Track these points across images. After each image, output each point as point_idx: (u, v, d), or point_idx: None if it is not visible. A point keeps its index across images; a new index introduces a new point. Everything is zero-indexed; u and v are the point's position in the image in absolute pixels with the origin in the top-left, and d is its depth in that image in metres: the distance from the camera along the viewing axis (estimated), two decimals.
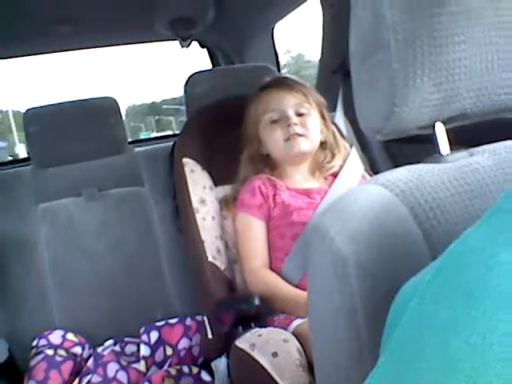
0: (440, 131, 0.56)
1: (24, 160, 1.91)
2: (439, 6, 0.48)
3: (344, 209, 0.52)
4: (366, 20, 0.52)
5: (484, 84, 0.53)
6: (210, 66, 2.15)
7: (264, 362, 0.85)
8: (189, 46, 1.83)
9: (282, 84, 1.19)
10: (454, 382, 0.26)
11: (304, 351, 0.88)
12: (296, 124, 1.13)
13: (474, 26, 0.50)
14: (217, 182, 1.25)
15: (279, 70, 1.93)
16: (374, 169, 1.41)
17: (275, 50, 1.95)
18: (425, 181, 0.52)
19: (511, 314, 0.25)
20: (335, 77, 1.52)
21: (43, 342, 1.23)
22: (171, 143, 1.46)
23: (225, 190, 1.25)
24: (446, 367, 0.27)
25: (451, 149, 0.57)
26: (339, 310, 0.47)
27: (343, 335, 0.47)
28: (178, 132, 1.78)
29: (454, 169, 0.54)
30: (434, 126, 0.56)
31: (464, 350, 0.26)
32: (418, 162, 0.57)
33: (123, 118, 1.55)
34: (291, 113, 1.14)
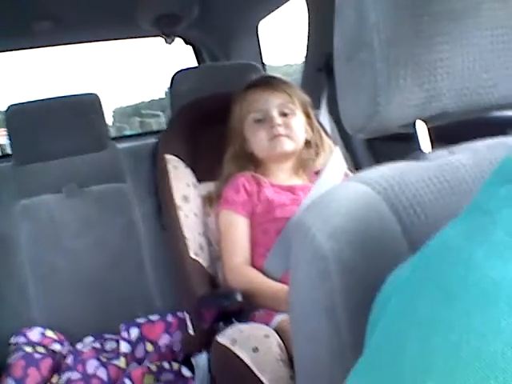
0: (421, 129, 0.57)
1: (4, 156, 1.88)
2: (422, 6, 0.49)
3: (326, 206, 0.52)
4: (350, 20, 0.52)
5: (465, 84, 0.54)
6: (195, 64, 2.14)
7: (245, 357, 0.85)
8: (172, 42, 1.82)
9: (267, 84, 1.19)
10: (432, 380, 0.26)
11: (285, 347, 0.89)
12: (280, 125, 1.13)
13: (457, 27, 0.51)
14: (200, 179, 1.25)
15: (264, 68, 1.93)
16: (357, 167, 1.42)
17: (260, 47, 1.95)
18: (406, 178, 0.53)
19: (487, 313, 0.26)
20: (320, 75, 1.53)
21: (22, 339, 1.21)
22: (154, 140, 1.46)
23: (208, 186, 1.25)
24: (425, 365, 0.27)
25: (432, 147, 0.58)
26: (319, 306, 0.48)
27: (324, 331, 0.48)
28: (161, 129, 1.77)
29: (435, 167, 0.55)
30: (415, 125, 0.57)
31: (443, 348, 0.26)
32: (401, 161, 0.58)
33: (110, 119, 1.54)
34: (275, 113, 1.14)
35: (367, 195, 0.51)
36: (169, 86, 1.43)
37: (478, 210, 0.33)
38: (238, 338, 0.89)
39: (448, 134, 0.71)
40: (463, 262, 0.29)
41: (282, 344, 0.89)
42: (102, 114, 1.48)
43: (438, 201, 0.52)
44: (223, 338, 0.91)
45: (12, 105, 1.42)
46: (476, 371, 0.24)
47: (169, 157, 1.23)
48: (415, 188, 0.52)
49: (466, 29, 0.51)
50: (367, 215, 0.50)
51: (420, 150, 0.58)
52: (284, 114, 1.15)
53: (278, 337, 0.90)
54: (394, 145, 0.92)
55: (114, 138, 1.86)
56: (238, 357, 0.86)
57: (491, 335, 0.25)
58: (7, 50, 1.85)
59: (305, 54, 1.64)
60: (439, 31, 0.50)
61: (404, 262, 0.42)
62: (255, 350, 0.85)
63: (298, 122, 1.17)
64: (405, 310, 0.31)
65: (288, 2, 1.65)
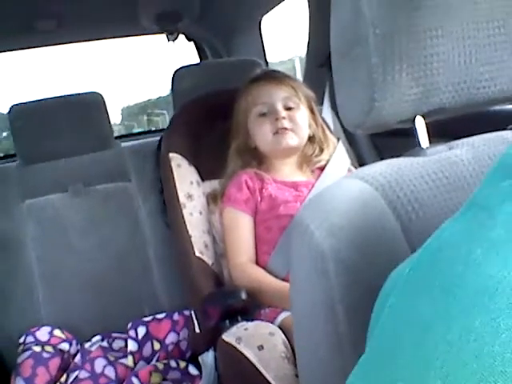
0: (420, 125, 0.57)
1: (9, 156, 1.89)
2: (417, 0, 0.48)
3: (324, 203, 0.52)
4: (345, 15, 0.52)
5: (462, 78, 0.53)
6: (198, 60, 2.14)
7: (250, 355, 0.85)
8: (175, 39, 1.82)
9: (272, 77, 1.19)
10: (430, 380, 0.26)
11: (290, 344, 0.89)
12: (284, 118, 1.13)
13: (452, 20, 0.50)
14: (204, 177, 1.25)
15: (267, 64, 1.92)
16: (360, 163, 1.42)
17: (263, 43, 1.95)
18: (404, 174, 0.53)
19: (486, 313, 0.25)
20: (322, 70, 1.52)
21: (30, 338, 1.22)
22: (158, 138, 1.46)
23: (212, 184, 1.25)
24: (423, 365, 0.26)
25: (431, 142, 0.58)
26: (318, 304, 0.48)
27: (323, 329, 0.48)
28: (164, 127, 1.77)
29: (433, 162, 0.55)
30: (414, 120, 0.56)
31: (441, 348, 0.26)
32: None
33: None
34: (280, 106, 1.14)
35: (365, 192, 0.51)
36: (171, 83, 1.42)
37: (477, 206, 0.32)
38: (243, 336, 0.89)
39: (446, 128, 0.70)
40: (462, 259, 0.28)
41: (287, 341, 0.89)
42: (106, 113, 1.48)
43: (436, 197, 0.51)
44: (228, 337, 0.91)
45: (15, 104, 1.43)
46: (474, 373, 0.24)
47: (172, 155, 1.23)
48: (413, 184, 0.52)
49: (461, 22, 0.51)
50: (365, 212, 0.49)
51: (419, 145, 0.58)
52: (289, 108, 1.15)
53: (282, 334, 0.90)
54: (398, 140, 0.92)
55: (118, 137, 1.87)
56: (244, 355, 0.86)
57: (490, 337, 0.24)
58: (11, 50, 1.86)
59: (306, 50, 1.63)
60: (434, 25, 0.50)
61: (404, 261, 0.41)
62: (260, 347, 0.85)
63: (303, 116, 1.17)
64: (403, 309, 0.31)
65: None
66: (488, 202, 0.32)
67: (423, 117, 0.56)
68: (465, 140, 0.59)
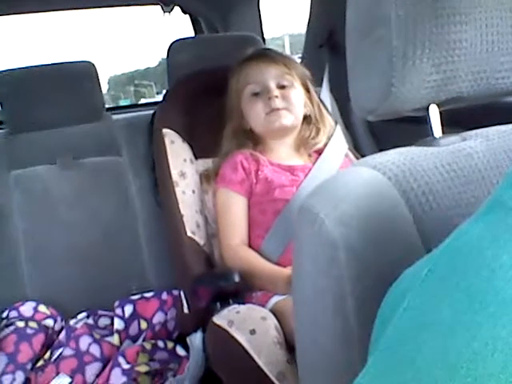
0: (434, 114, 0.55)
1: None
2: None
3: (335, 191, 0.50)
4: None
5: (483, 67, 0.51)
6: (192, 34, 2.09)
7: (241, 339, 0.84)
8: (171, 11, 1.76)
9: (264, 56, 1.16)
10: None
11: (282, 329, 0.88)
12: (277, 97, 1.10)
13: (477, 7, 0.48)
14: (197, 155, 1.22)
15: (264, 40, 1.88)
16: (356, 147, 1.40)
17: (260, 19, 1.90)
18: (417, 164, 0.51)
19: None
20: (321, 51, 1.49)
21: (14, 313, 1.19)
22: (150, 112, 1.42)
23: (206, 163, 1.22)
24: (447, 373, 0.25)
25: (443, 131, 0.56)
26: (326, 294, 0.46)
27: (330, 319, 0.46)
28: (158, 100, 1.73)
29: (447, 153, 0.53)
30: (427, 108, 0.54)
31: (465, 356, 0.25)
32: (406, 143, 0.55)
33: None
34: (272, 85, 1.11)
35: (378, 181, 0.49)
36: (166, 55, 1.38)
37: (502, 207, 0.31)
38: (234, 319, 0.88)
39: (458, 117, 0.69)
40: (487, 264, 0.27)
41: (279, 326, 0.88)
42: (98, 84, 1.43)
43: (450, 189, 0.50)
44: (220, 319, 0.90)
45: (2, 71, 1.37)
46: None
47: (166, 131, 1.19)
48: (427, 175, 0.50)
49: (485, 9, 0.49)
50: (378, 201, 0.48)
51: (432, 135, 0.56)
52: (282, 87, 1.12)
53: (275, 319, 0.89)
54: (396, 125, 0.90)
55: (110, 109, 1.81)
56: (235, 338, 0.85)
57: None
58: (5, 14, 1.78)
59: (306, 30, 1.60)
60: (460, 11, 0.48)
61: (415, 254, 0.40)
62: (252, 332, 0.84)
63: (297, 94, 1.14)
64: (422, 311, 0.29)
65: None
66: None
67: (438, 105, 0.54)
68: (478, 131, 0.58)
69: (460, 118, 0.69)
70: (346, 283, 0.45)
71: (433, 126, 0.56)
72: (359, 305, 0.45)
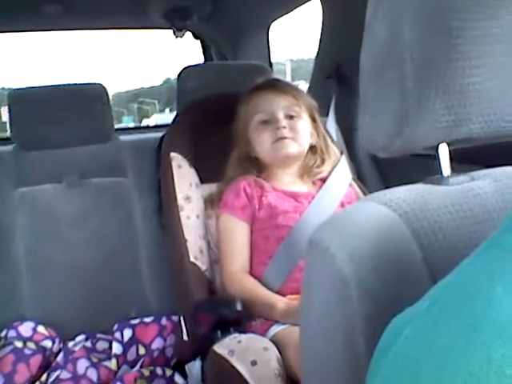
0: (443, 153, 0.56)
1: (4, 140, 1.84)
2: (459, 29, 0.47)
3: (345, 225, 0.50)
4: (382, 36, 0.51)
5: (493, 110, 0.52)
6: (199, 58, 2.12)
7: (242, 369, 0.83)
8: (183, 36, 1.79)
9: (274, 86, 1.18)
10: None
11: (282, 360, 0.87)
12: (285, 127, 1.12)
13: (492, 52, 0.49)
14: (203, 180, 1.23)
15: (272, 69, 1.91)
16: (360, 177, 1.41)
17: (269, 48, 1.93)
18: (428, 203, 0.51)
19: (507, 348, 0.26)
20: (328, 82, 1.51)
21: (12, 333, 1.18)
22: (158, 134, 1.43)
23: (210, 188, 1.22)
24: None
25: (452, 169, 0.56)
26: (337, 331, 0.46)
27: (340, 357, 0.46)
28: (164, 123, 1.74)
29: (457, 192, 0.53)
30: (437, 147, 0.55)
31: (460, 378, 0.26)
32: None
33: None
34: (281, 115, 1.12)
35: (389, 218, 0.49)
36: (170, 75, 1.41)
37: (500, 248, 0.33)
38: (236, 348, 0.87)
39: (466, 155, 0.69)
40: (483, 295, 0.29)
41: (281, 358, 0.87)
42: (109, 106, 1.45)
43: (460, 229, 0.50)
44: (220, 348, 0.89)
45: (16, 89, 1.39)
46: None
47: (174, 155, 1.20)
48: (437, 214, 0.50)
49: (501, 54, 0.50)
50: (389, 239, 0.48)
51: (441, 173, 0.56)
52: (290, 117, 1.14)
53: (276, 350, 0.88)
54: (401, 157, 0.91)
55: (118, 130, 1.83)
56: (236, 369, 0.84)
57: (511, 369, 0.25)
58: (14, 31, 1.82)
59: (315, 60, 1.62)
60: (474, 55, 0.49)
61: (424, 293, 0.40)
62: (253, 363, 0.83)
63: (304, 125, 1.15)
64: (421, 338, 0.31)
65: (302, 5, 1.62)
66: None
67: (448, 144, 0.55)
68: (486, 171, 0.58)
69: (467, 156, 0.69)
70: (357, 322, 0.44)
71: (442, 164, 0.56)
72: (370, 344, 0.44)
